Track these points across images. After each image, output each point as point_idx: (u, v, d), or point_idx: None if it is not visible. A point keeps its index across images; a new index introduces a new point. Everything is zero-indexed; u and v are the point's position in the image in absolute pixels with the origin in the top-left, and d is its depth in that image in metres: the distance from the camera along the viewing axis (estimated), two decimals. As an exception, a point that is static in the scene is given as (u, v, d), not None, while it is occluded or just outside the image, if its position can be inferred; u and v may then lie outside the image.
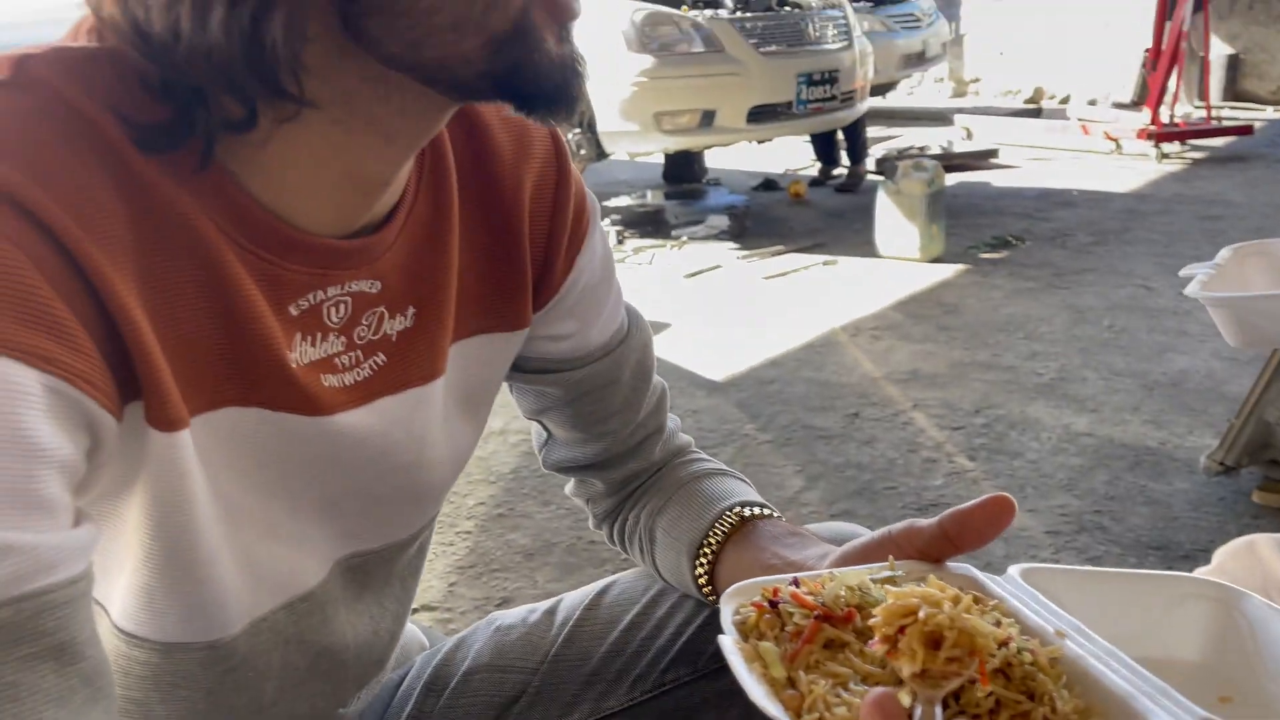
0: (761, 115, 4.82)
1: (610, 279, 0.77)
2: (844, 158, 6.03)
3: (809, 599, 0.51)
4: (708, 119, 4.71)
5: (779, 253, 4.53)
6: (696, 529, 0.76)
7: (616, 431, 0.80)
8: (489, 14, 0.49)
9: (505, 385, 0.78)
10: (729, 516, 0.75)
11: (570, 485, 0.88)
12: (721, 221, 5.10)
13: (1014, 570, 0.55)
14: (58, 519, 0.43)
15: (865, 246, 4.49)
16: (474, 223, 0.66)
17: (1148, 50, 6.92)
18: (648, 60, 4.57)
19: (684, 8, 5.05)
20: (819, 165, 6.23)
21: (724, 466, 0.85)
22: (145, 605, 0.56)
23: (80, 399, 0.45)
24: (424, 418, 0.65)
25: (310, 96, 0.48)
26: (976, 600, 0.51)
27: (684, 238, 4.92)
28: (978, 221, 4.97)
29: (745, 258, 4.47)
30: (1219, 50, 9.39)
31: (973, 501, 0.57)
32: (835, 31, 5.13)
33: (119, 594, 0.56)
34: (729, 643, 0.49)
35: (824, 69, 4.95)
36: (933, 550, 0.57)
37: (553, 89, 0.52)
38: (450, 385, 0.67)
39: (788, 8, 5.16)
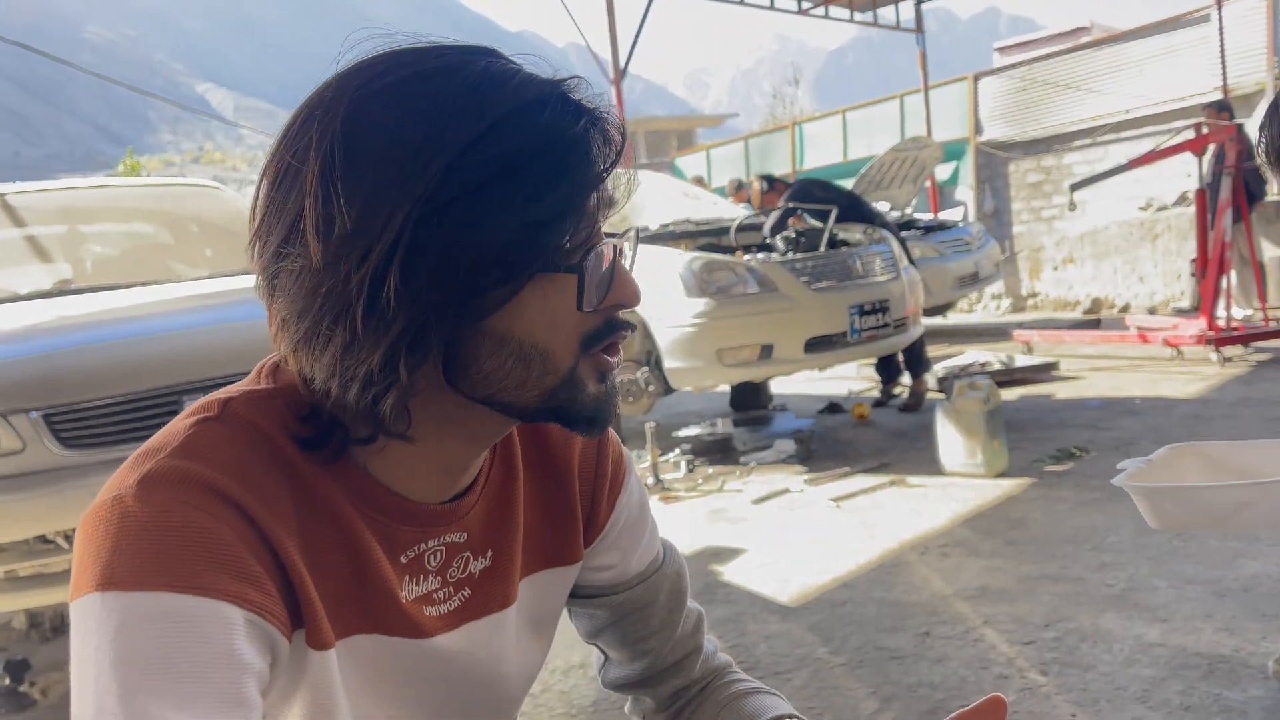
0: (818, 345, 5.11)
1: (645, 517, 0.98)
2: (906, 378, 6.24)
3: None
4: (766, 352, 5.01)
5: (845, 474, 4.66)
6: None
7: (658, 649, 0.97)
8: (544, 376, 0.71)
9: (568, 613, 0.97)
10: None
11: (628, 705, 1.04)
12: (788, 446, 5.28)
13: None
14: (254, 715, 0.63)
15: (930, 465, 4.60)
16: (535, 484, 0.88)
17: (1194, 260, 7.15)
18: (707, 302, 4.95)
19: (738, 253, 5.50)
20: (880, 386, 6.44)
21: (760, 684, 1.01)
22: None
23: (268, 628, 0.66)
24: (501, 638, 0.84)
25: (414, 425, 0.71)
26: None
27: (752, 464, 5.10)
28: (1042, 435, 5.06)
29: (812, 480, 4.61)
30: (1275, 253, 9.59)
31: (974, 705, 0.74)
32: (882, 264, 5.48)
33: None
34: None
35: (874, 299, 5.27)
36: None
37: (590, 417, 0.74)
38: (521, 611, 0.87)
39: (836, 247, 5.56)
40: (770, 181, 6.79)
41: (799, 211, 6.08)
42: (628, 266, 0.73)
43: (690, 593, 1.02)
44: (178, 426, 0.70)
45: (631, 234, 0.75)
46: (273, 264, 0.68)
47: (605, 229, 0.73)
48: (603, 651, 1.01)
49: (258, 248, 0.70)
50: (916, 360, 6.08)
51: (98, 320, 2.99)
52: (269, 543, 0.67)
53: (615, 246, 0.72)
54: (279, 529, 0.68)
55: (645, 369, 5.29)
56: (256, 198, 0.70)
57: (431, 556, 0.78)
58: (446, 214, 0.63)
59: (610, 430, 0.95)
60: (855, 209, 6.21)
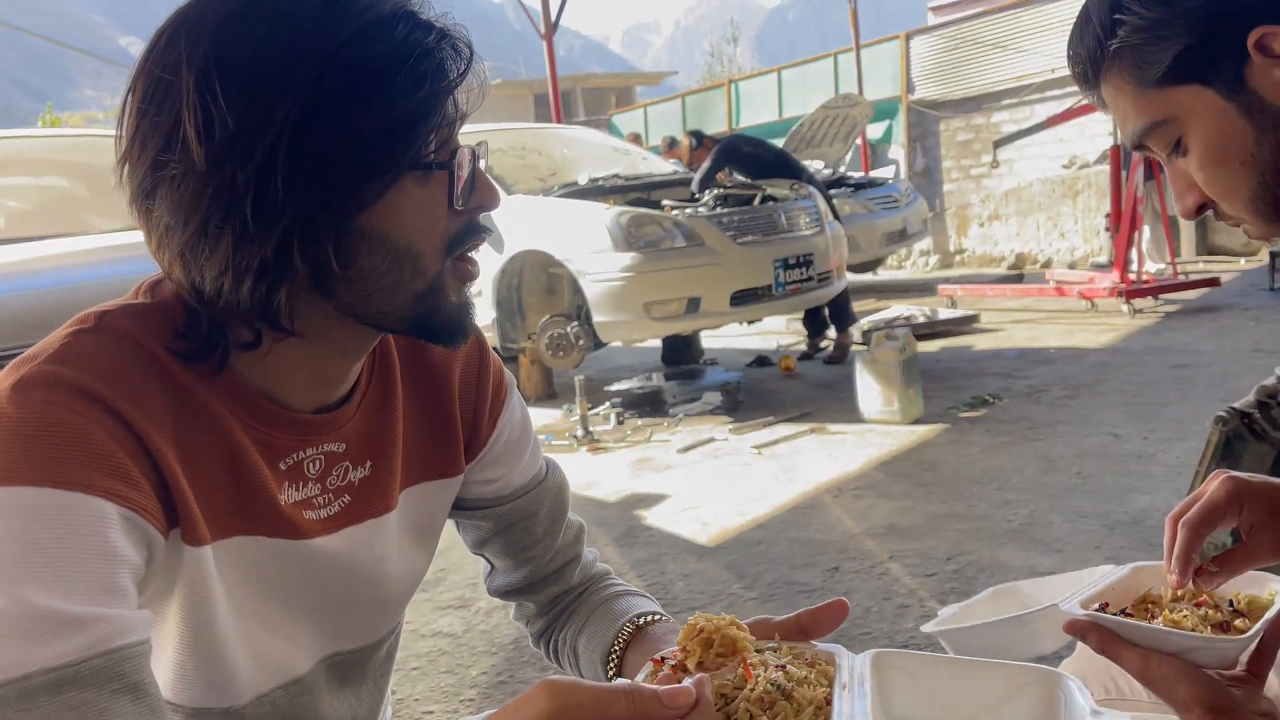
0: (744, 299, 5.20)
1: (527, 436, 1.04)
2: (832, 331, 6.38)
3: (676, 653, 0.74)
4: (693, 305, 5.08)
5: (769, 424, 4.79)
6: (605, 640, 0.98)
7: (539, 558, 1.03)
8: (414, 279, 0.76)
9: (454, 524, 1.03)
10: (628, 626, 0.98)
11: (512, 610, 1.11)
12: (716, 398, 5.38)
13: (868, 653, 0.76)
14: (129, 603, 0.67)
15: (850, 414, 4.74)
16: (415, 400, 0.93)
17: (1108, 215, 7.39)
18: (635, 256, 5.00)
19: (665, 208, 5.55)
20: (807, 340, 6.58)
21: (632, 588, 1.08)
22: (179, 677, 0.78)
23: (142, 523, 0.70)
24: (381, 542, 0.89)
25: (295, 330, 0.76)
26: (813, 664, 0.73)
27: (680, 415, 5.20)
28: (959, 383, 5.24)
29: (737, 430, 4.72)
30: (1186, 209, 9.92)
31: (822, 604, 0.81)
32: (808, 219, 5.58)
33: (161, 670, 0.78)
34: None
35: (799, 253, 5.37)
36: (793, 635, 0.80)
37: (451, 328, 0.80)
38: (402, 519, 0.92)
39: (763, 202, 5.64)
40: (699, 138, 6.83)
41: (727, 168, 6.14)
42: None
43: (570, 506, 1.08)
44: (53, 337, 0.74)
45: (484, 146, 0.81)
46: (150, 176, 0.71)
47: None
48: (489, 561, 1.07)
49: (129, 166, 0.73)
50: (842, 314, 6.21)
51: (8, 271, 2.94)
52: (143, 443, 0.71)
53: (474, 152, 0.78)
54: (152, 431, 0.71)
55: (575, 323, 5.34)
56: (122, 118, 0.73)
57: (310, 464, 0.83)
58: (321, 114, 0.69)
59: (491, 352, 1.01)
60: (783, 165, 6.29)
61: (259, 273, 0.71)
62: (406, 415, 0.91)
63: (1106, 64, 0.81)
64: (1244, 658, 0.86)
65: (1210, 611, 0.87)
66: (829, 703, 0.68)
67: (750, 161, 6.23)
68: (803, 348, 6.61)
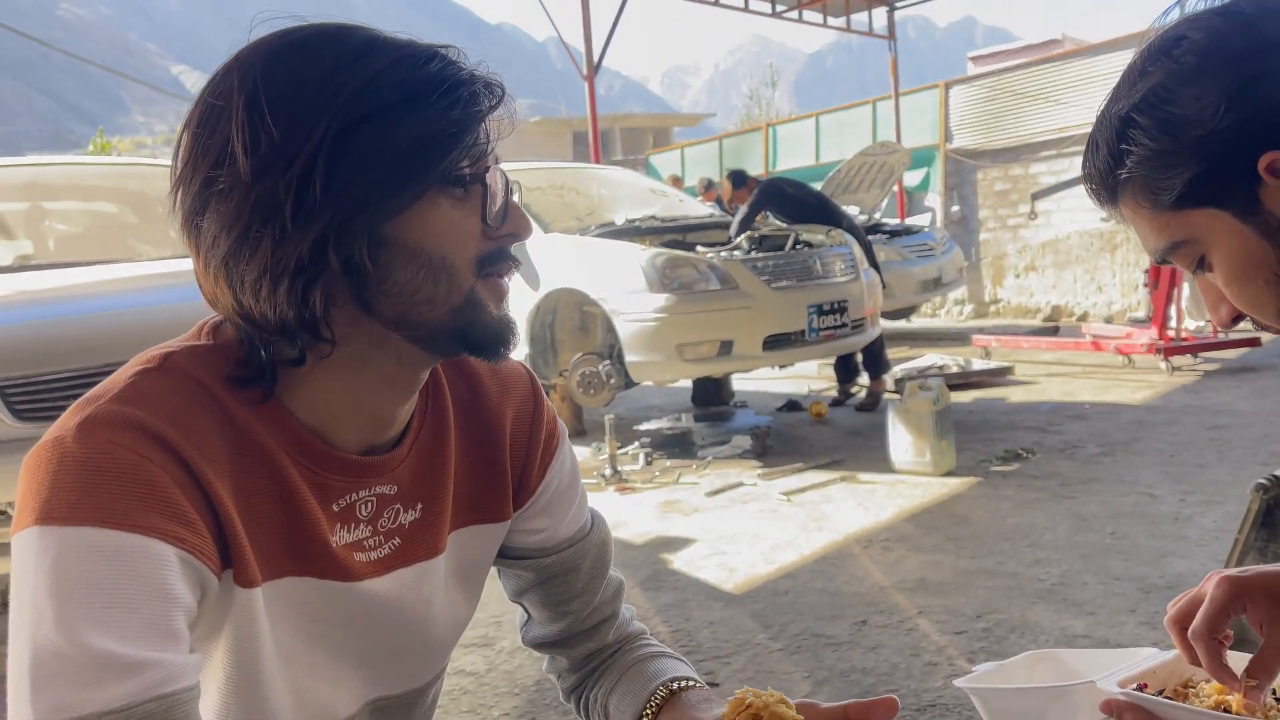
0: (777, 343, 5.20)
1: (575, 487, 1.04)
2: (864, 378, 6.35)
3: None
4: (726, 348, 5.09)
5: (798, 470, 4.76)
6: (638, 702, 0.98)
7: (578, 612, 1.03)
8: (450, 293, 0.78)
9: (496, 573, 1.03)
10: (661, 690, 0.97)
11: (545, 664, 1.11)
12: (745, 442, 5.36)
13: None
14: (183, 646, 0.68)
15: (881, 463, 4.71)
16: (466, 443, 0.93)
17: (1147, 270, 7.32)
18: (669, 298, 5.02)
19: (700, 251, 5.58)
20: (838, 385, 6.53)
21: (666, 649, 1.07)
22: (222, 717, 0.79)
23: (198, 565, 0.71)
24: (429, 586, 0.90)
25: (334, 359, 0.78)
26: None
27: (709, 458, 5.18)
28: (992, 436, 5.19)
29: (766, 475, 4.70)
30: (1227, 266, 9.82)
31: (873, 699, 0.81)
32: (842, 266, 5.58)
33: (206, 709, 0.79)
34: None
35: (833, 299, 5.37)
36: None
37: (494, 338, 0.81)
38: (449, 563, 0.92)
39: (798, 246, 5.66)
40: (741, 179, 6.83)
41: (765, 211, 6.16)
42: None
43: (612, 563, 1.08)
44: (119, 376, 0.76)
45: (518, 184, 0.84)
46: (200, 195, 0.75)
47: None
48: (526, 610, 1.08)
49: (181, 190, 0.77)
50: (875, 361, 6.18)
51: (56, 296, 3.01)
52: (201, 485, 0.72)
53: (507, 182, 0.82)
54: (211, 473, 0.73)
55: (607, 362, 5.36)
56: (178, 149, 0.77)
57: (363, 506, 0.84)
58: (358, 129, 0.73)
59: (546, 400, 1.02)
60: (822, 210, 6.30)
61: (295, 271, 0.73)
62: (458, 458, 0.92)
63: (1120, 189, 0.82)
64: None
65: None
66: None
67: (792, 204, 6.22)
68: (834, 393, 6.58)
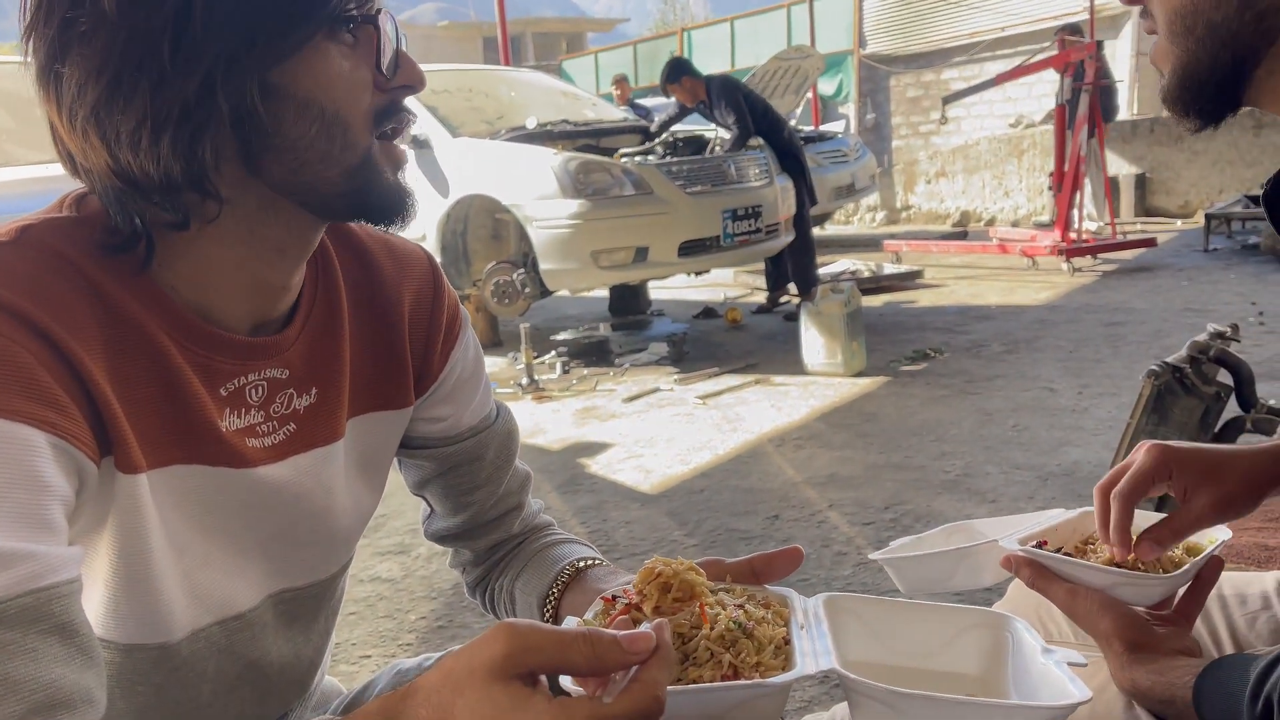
0: (692, 249, 5.19)
1: (479, 375, 1.00)
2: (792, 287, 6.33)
3: (631, 594, 0.73)
4: (641, 255, 5.05)
5: (714, 374, 4.80)
6: (543, 583, 0.96)
7: (481, 503, 1.01)
8: (345, 151, 0.73)
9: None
10: (567, 569, 0.96)
11: (450, 557, 1.09)
12: (662, 348, 5.38)
13: (820, 595, 0.76)
14: (59, 537, 0.63)
15: (795, 365, 4.78)
16: (362, 326, 0.89)
17: (1051, 174, 7.49)
18: (583, 203, 4.94)
19: (616, 155, 5.49)
20: (767, 294, 6.53)
21: (572, 537, 1.06)
22: (111, 613, 0.75)
23: (73, 451, 0.66)
24: (329, 472, 0.86)
25: (220, 223, 0.72)
26: (767, 605, 0.73)
27: (626, 365, 5.19)
28: (901, 337, 5.30)
29: (682, 380, 4.73)
30: (1128, 170, 10.10)
31: (776, 549, 0.81)
32: (757, 170, 5.56)
33: (92, 605, 0.75)
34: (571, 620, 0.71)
35: (747, 205, 5.35)
36: (745, 578, 0.80)
37: (391, 205, 0.77)
38: (349, 450, 0.88)
39: (709, 150, 5.60)
40: (684, 70, 6.05)
41: (699, 112, 5.97)
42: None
43: (518, 454, 1.06)
44: None
45: (404, 35, 0.79)
46: (60, 37, 0.67)
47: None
48: (428, 503, 1.05)
49: (34, 37, 0.69)
50: (805, 275, 6.15)
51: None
52: (73, 367, 0.67)
53: (398, 29, 0.77)
54: (83, 353, 0.67)
55: (521, 270, 5.28)
56: None
57: (253, 390, 0.79)
58: None
59: (446, 283, 0.97)
60: (767, 116, 6.17)
61: (180, 118, 0.67)
62: (353, 341, 0.87)
63: None
64: (1178, 599, 0.88)
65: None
66: (788, 642, 0.68)
67: (747, 106, 5.96)
68: (751, 300, 6.62)
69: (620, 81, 9.80)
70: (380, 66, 0.75)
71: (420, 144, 5.38)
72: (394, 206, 0.77)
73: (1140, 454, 0.88)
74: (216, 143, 0.69)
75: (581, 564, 0.96)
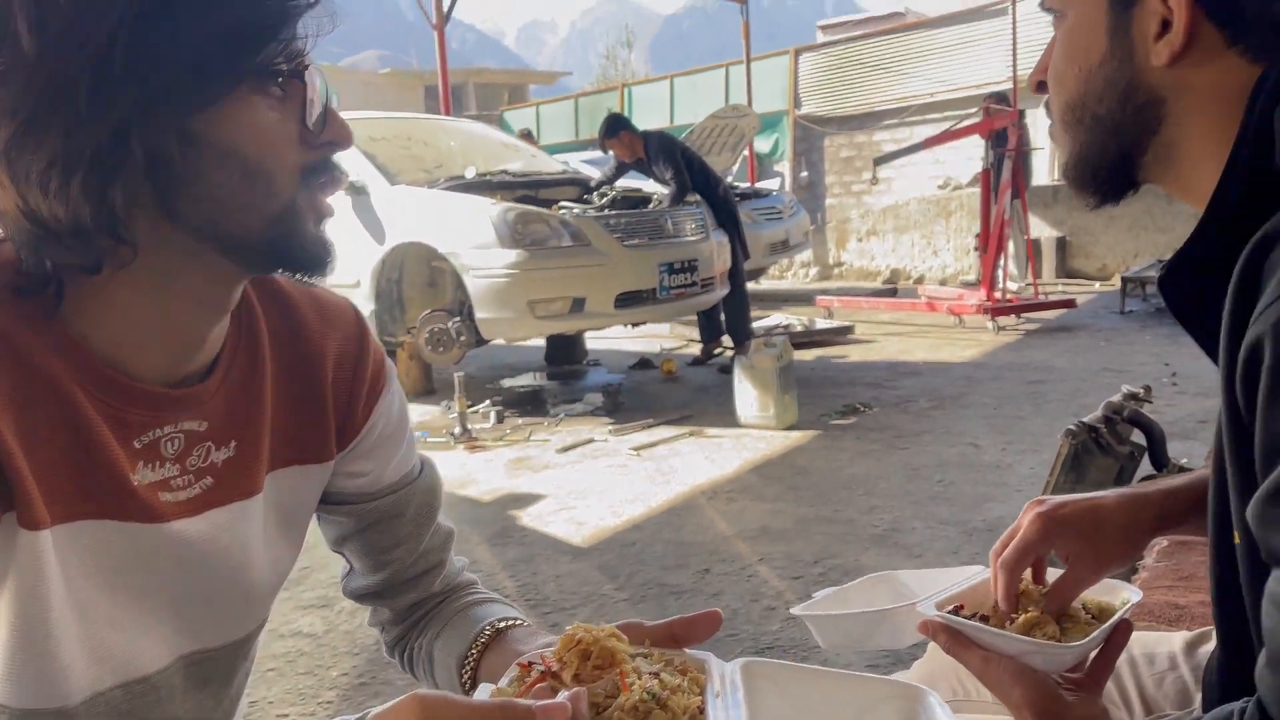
0: (628, 301, 5.22)
1: (403, 431, 0.99)
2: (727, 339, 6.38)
3: (549, 660, 0.73)
4: (578, 305, 5.07)
5: (648, 426, 4.82)
6: (462, 644, 0.95)
7: (401, 560, 0.99)
8: (268, 200, 0.73)
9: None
10: (487, 629, 0.95)
11: (369, 616, 1.06)
12: (597, 399, 5.39)
13: (738, 661, 0.77)
14: None
15: (728, 417, 4.82)
16: (285, 379, 0.88)
17: (977, 235, 7.73)
18: (520, 253, 4.96)
19: (555, 207, 5.53)
20: (701, 346, 6.59)
21: (494, 596, 1.05)
22: (6, 675, 0.72)
23: None
24: (246, 527, 0.84)
25: (135, 271, 0.71)
26: (684, 670, 0.73)
27: (561, 415, 5.18)
28: (832, 391, 5.39)
29: (617, 431, 4.74)
30: (1050, 233, 10.48)
31: (696, 613, 0.81)
32: (693, 225, 5.64)
33: None
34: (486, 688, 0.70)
35: (684, 258, 5.42)
36: (664, 642, 0.80)
37: (311, 256, 0.77)
38: (268, 505, 0.87)
39: (650, 204, 5.68)
40: (623, 126, 6.14)
41: (638, 168, 6.05)
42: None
43: (441, 510, 1.04)
44: None
45: (334, 95, 0.80)
46: None
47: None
48: (348, 560, 1.03)
49: None
50: (740, 328, 6.22)
51: None
52: None
53: (327, 87, 0.77)
54: None
55: (457, 319, 5.25)
56: None
57: (168, 443, 0.77)
58: (167, 9, 0.67)
59: (373, 335, 0.96)
60: (704, 173, 6.27)
61: (91, 162, 0.66)
62: (275, 394, 0.86)
63: None
64: (1089, 663, 0.91)
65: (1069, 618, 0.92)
66: (702, 711, 0.68)
67: (684, 163, 6.06)
68: (687, 352, 6.67)
69: (525, 135, 9.96)
70: (306, 122, 0.75)
71: (358, 190, 5.35)
72: (315, 258, 0.77)
73: (1025, 520, 0.91)
74: (129, 188, 0.68)
75: (502, 624, 0.96)
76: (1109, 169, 0.79)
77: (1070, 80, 0.78)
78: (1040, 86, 0.83)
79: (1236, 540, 0.71)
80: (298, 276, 0.78)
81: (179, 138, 0.69)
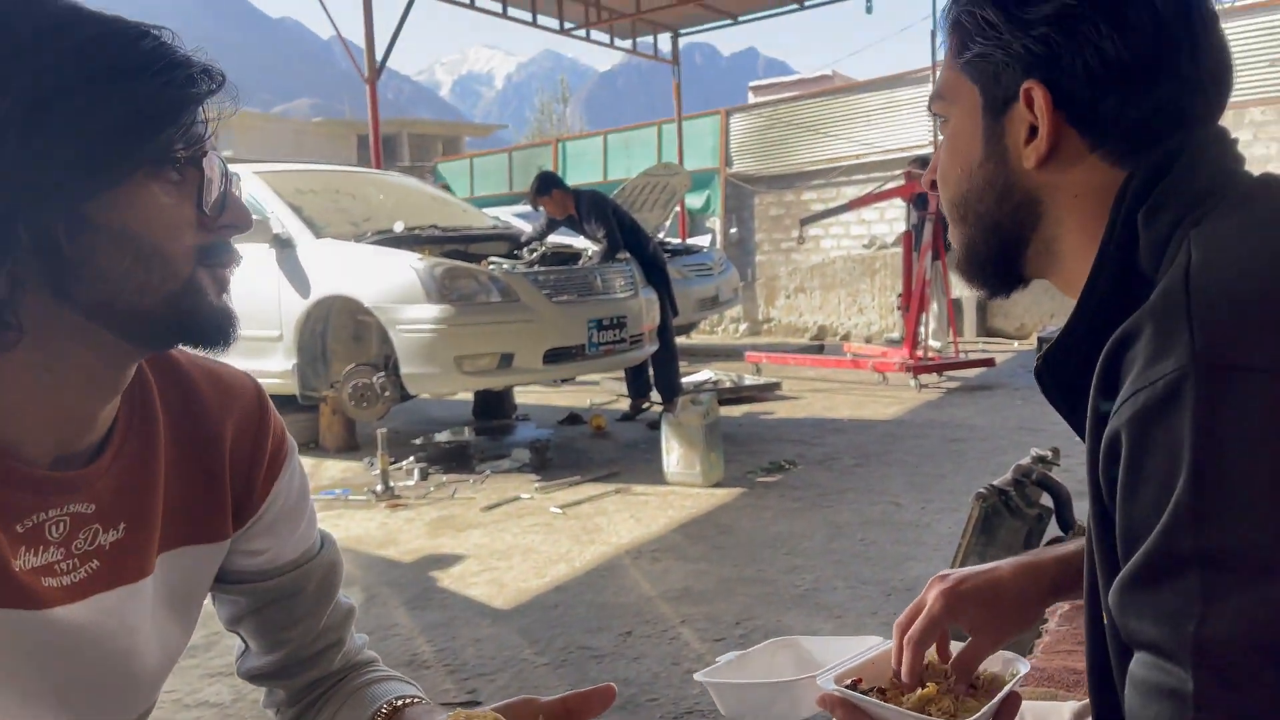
0: (557, 357, 5.22)
1: (303, 507, 0.98)
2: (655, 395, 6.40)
3: None
4: (506, 361, 5.06)
5: (575, 483, 4.79)
6: None
7: (299, 639, 0.97)
8: (165, 281, 0.73)
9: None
10: (384, 708, 0.94)
11: (263, 697, 1.03)
12: (525, 455, 5.35)
13: None
14: None
15: (656, 475, 4.82)
16: (180, 457, 0.86)
17: (900, 295, 7.93)
18: (447, 308, 4.93)
19: (484, 262, 5.53)
20: (630, 401, 6.59)
21: (395, 674, 1.03)
22: None
23: None
24: (134, 611, 0.82)
25: (24, 352, 0.70)
26: None
27: (487, 472, 5.13)
28: (759, 448, 5.43)
29: (544, 489, 4.70)
30: (970, 293, 10.80)
31: (590, 688, 0.81)
32: (623, 282, 5.69)
33: None
34: None
35: (613, 315, 5.45)
36: (558, 718, 0.80)
37: (213, 329, 0.77)
38: (159, 586, 0.84)
39: (579, 262, 5.71)
40: (554, 184, 6.14)
41: (569, 225, 6.10)
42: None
43: (341, 587, 1.02)
44: None
45: (238, 177, 0.80)
46: None
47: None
48: (243, 640, 1.01)
49: None
50: (670, 385, 6.24)
51: None
52: None
53: (226, 171, 0.77)
54: None
55: (381, 374, 5.19)
56: None
57: (53, 527, 0.75)
58: (60, 98, 0.68)
59: (273, 410, 0.95)
60: (635, 231, 6.32)
61: None
62: (169, 473, 0.84)
63: (950, 27, 0.82)
64: None
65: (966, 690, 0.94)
66: None
67: (615, 221, 6.10)
68: (616, 406, 6.67)
69: (443, 187, 10.04)
70: (204, 206, 0.75)
71: (283, 243, 5.29)
72: (217, 330, 0.77)
73: (930, 596, 0.94)
74: (17, 271, 0.68)
75: (399, 703, 0.94)
76: (994, 263, 0.84)
77: (954, 180, 0.83)
78: (933, 185, 0.88)
79: (1106, 620, 0.73)
80: (200, 349, 0.78)
81: (70, 223, 0.69)
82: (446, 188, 10.11)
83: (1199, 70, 0.73)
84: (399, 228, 5.73)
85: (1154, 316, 0.64)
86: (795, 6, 12.00)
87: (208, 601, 0.95)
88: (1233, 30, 10.12)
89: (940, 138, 0.85)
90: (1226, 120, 0.78)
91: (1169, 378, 0.60)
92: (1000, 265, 0.83)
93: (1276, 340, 0.59)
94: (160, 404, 0.85)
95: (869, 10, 11.14)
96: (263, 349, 5.25)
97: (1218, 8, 0.75)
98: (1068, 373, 0.75)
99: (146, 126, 0.70)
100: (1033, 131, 0.75)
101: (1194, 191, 0.70)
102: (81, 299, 0.71)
